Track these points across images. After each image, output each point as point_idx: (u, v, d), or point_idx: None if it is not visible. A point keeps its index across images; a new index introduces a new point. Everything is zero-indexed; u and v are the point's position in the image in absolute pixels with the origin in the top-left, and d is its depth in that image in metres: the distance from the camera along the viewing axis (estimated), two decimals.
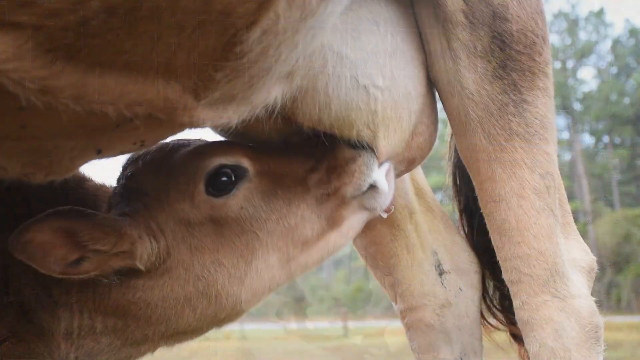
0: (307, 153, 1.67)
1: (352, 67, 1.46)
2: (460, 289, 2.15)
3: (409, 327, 2.17)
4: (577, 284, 1.76)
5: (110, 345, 1.58)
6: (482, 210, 1.79)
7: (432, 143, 1.80)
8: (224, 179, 1.57)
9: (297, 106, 1.42)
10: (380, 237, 2.10)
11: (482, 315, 2.20)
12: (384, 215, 1.80)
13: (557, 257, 1.70)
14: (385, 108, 1.55)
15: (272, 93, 1.19)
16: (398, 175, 1.83)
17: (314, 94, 1.41)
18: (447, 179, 2.28)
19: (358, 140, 1.62)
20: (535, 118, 1.67)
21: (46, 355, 1.55)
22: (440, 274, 2.16)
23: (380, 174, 1.67)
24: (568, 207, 1.92)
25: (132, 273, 1.50)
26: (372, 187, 1.66)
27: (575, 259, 1.84)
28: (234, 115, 1.15)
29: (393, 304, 2.22)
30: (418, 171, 2.19)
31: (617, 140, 50.98)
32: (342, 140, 1.62)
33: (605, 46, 51.91)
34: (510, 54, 1.64)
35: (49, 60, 0.80)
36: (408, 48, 1.66)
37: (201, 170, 1.57)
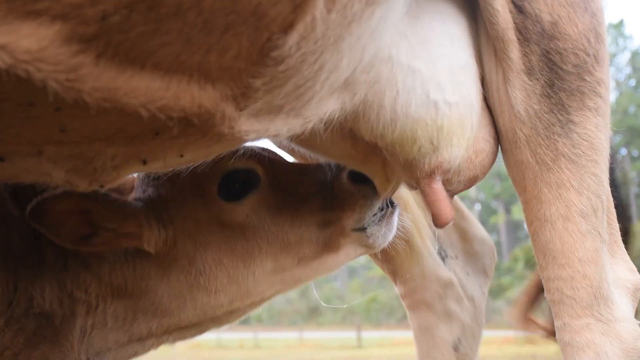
0: (318, 176, 1.79)
1: (423, 82, 1.41)
2: (467, 273, 2.13)
3: (410, 308, 2.18)
4: (622, 306, 1.72)
5: (117, 342, 1.66)
6: (527, 228, 1.76)
7: (493, 160, 1.77)
8: (237, 185, 1.68)
9: (358, 121, 1.38)
10: None
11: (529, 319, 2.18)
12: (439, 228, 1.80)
13: (602, 280, 1.66)
14: (452, 123, 1.51)
15: (326, 106, 1.15)
16: (457, 192, 1.79)
17: (380, 109, 1.36)
18: None
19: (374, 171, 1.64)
20: (583, 139, 1.62)
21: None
22: (444, 257, 2.15)
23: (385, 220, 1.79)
24: (616, 225, 1.86)
25: (144, 257, 1.61)
26: (374, 226, 1.77)
27: (620, 278, 1.80)
28: (283, 128, 1.11)
29: (395, 288, 2.22)
30: None
31: (635, 152, 50.48)
32: (356, 167, 1.66)
33: (624, 58, 51.57)
34: (558, 73, 1.60)
35: (73, 54, 0.78)
36: (474, 64, 1.64)
37: (217, 172, 1.65)
